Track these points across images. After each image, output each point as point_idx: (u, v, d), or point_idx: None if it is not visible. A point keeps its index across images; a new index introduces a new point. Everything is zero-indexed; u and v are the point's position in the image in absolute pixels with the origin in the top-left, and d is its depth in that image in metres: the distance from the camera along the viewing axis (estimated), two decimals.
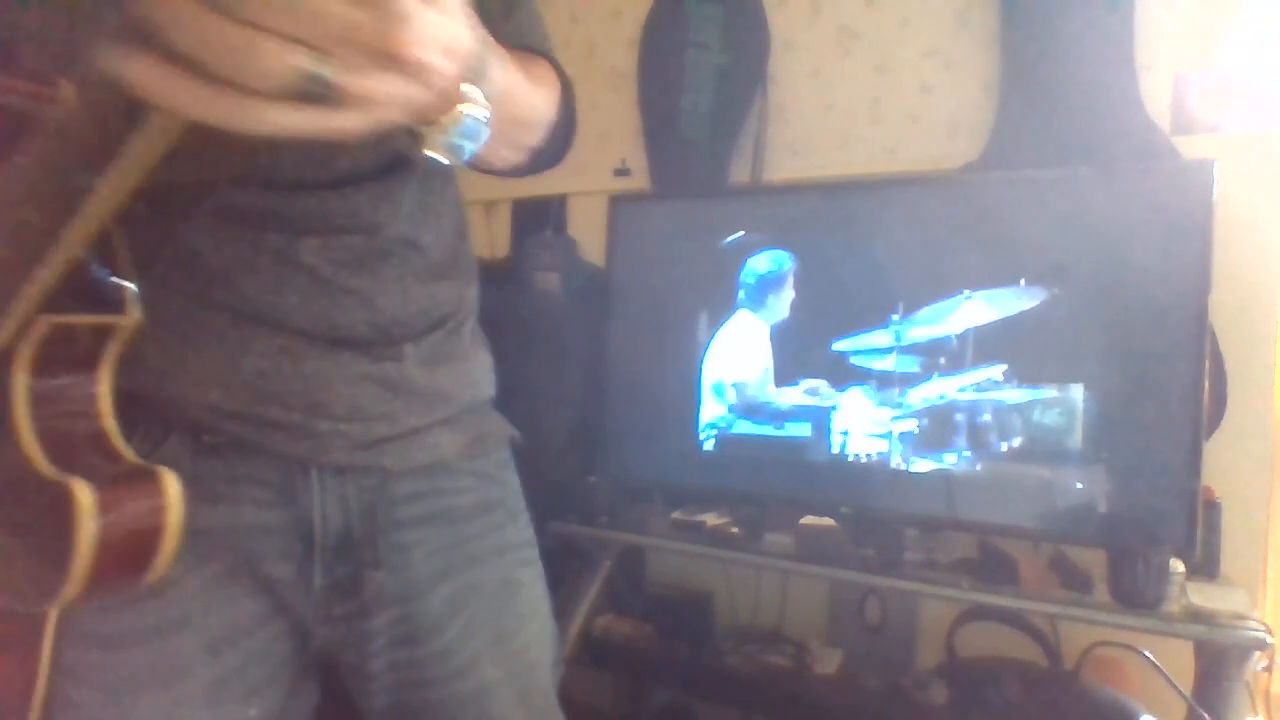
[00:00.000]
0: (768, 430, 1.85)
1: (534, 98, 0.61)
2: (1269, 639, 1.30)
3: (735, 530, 1.79)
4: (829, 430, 1.77)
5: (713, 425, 1.92)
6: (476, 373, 0.78)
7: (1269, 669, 1.36)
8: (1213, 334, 1.52)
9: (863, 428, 1.73)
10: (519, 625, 0.78)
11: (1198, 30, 1.68)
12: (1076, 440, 1.54)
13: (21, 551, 0.55)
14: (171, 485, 0.53)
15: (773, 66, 2.10)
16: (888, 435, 1.70)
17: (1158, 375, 1.48)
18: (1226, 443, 1.59)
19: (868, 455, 1.72)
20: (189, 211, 0.61)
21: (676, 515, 1.86)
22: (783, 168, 2.10)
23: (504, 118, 0.49)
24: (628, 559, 2.07)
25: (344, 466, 0.68)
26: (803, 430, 1.80)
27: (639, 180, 2.28)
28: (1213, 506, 1.49)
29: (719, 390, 1.91)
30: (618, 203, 2.11)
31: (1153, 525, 1.44)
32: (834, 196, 1.86)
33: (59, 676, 0.64)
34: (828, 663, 1.82)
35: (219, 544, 0.58)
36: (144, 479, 0.53)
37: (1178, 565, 1.42)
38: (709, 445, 1.92)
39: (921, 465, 1.67)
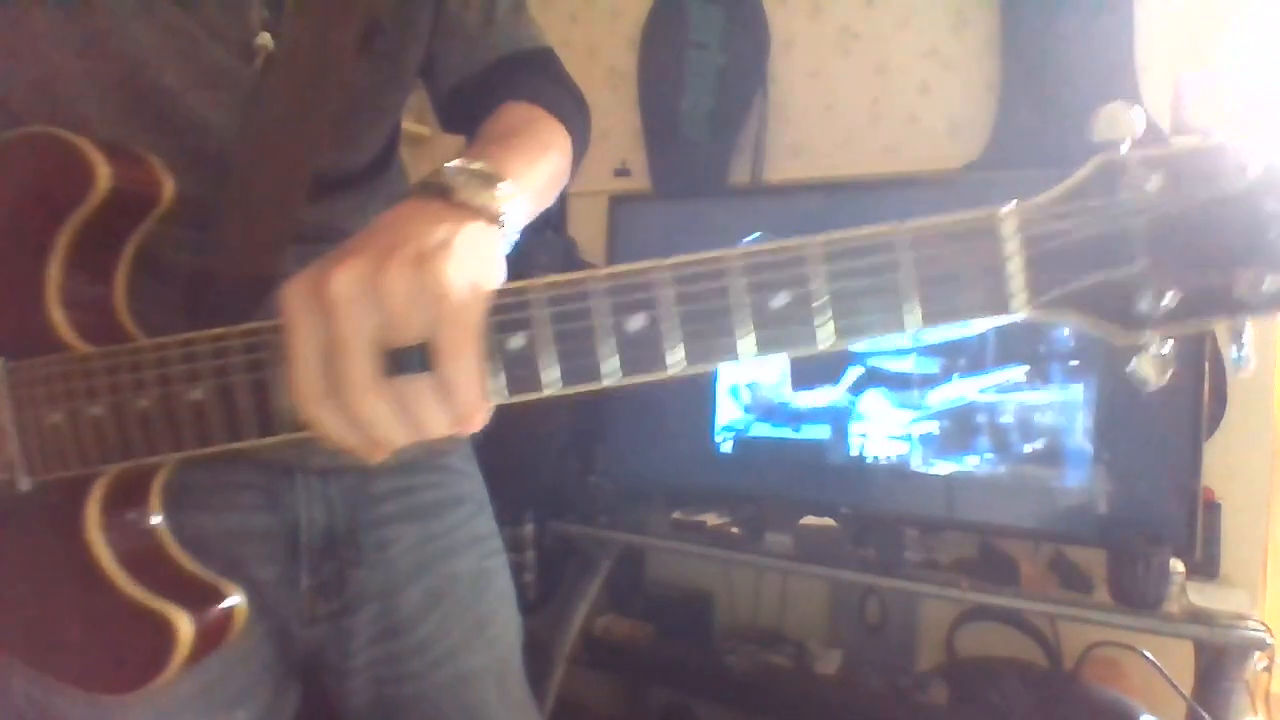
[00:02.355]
0: (785, 433, 1.84)
1: (546, 172, 0.62)
2: (1269, 639, 1.31)
3: (735, 530, 1.78)
4: (848, 432, 1.76)
5: (730, 428, 1.91)
6: None
7: (1269, 669, 1.36)
8: (1213, 334, 1.52)
9: (883, 430, 1.72)
10: (493, 614, 0.80)
11: (1198, 30, 1.68)
12: (1077, 440, 1.54)
13: (80, 652, 0.58)
14: (238, 600, 0.60)
15: (773, 66, 2.10)
16: (908, 437, 1.70)
17: None
18: (1226, 443, 1.58)
19: (888, 458, 1.71)
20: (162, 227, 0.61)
21: (677, 515, 1.86)
22: (783, 168, 2.10)
23: (531, 206, 0.55)
24: (628, 559, 2.07)
25: (327, 469, 0.69)
26: (822, 433, 1.79)
27: (639, 180, 2.28)
28: (1213, 506, 1.49)
29: (735, 392, 1.91)
30: (618, 203, 2.11)
31: (1153, 525, 1.44)
32: (834, 196, 1.85)
33: (43, 692, 0.63)
34: (828, 663, 1.82)
35: (206, 550, 0.59)
36: (214, 595, 0.59)
37: (1178, 565, 1.42)
38: (726, 448, 1.91)
39: (942, 467, 1.66)
